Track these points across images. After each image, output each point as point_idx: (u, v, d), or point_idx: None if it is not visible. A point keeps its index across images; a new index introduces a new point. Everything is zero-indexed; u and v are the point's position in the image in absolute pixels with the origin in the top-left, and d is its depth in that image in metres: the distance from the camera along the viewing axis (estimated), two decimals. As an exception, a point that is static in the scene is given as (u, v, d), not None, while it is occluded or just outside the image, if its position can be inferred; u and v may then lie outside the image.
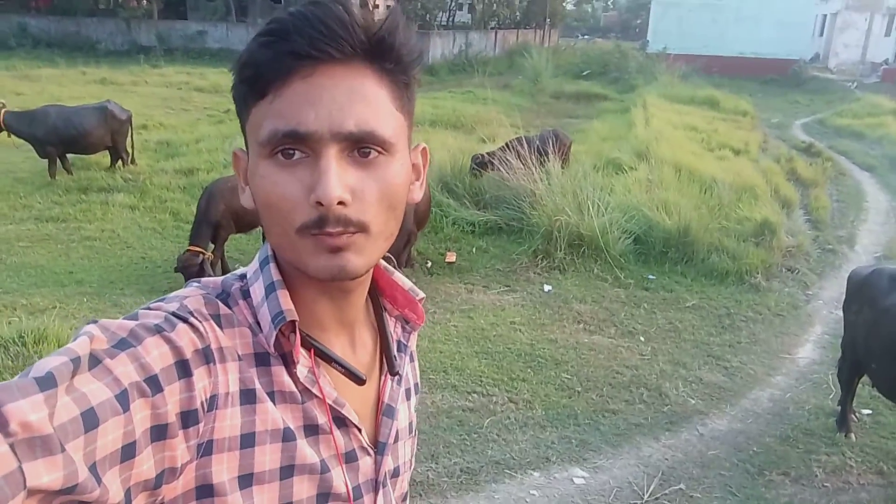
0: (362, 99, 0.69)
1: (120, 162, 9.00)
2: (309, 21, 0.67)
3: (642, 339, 5.07)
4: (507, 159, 7.74)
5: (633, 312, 5.55)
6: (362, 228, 0.69)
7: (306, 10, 0.68)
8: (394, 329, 0.90)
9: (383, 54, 0.71)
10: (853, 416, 3.98)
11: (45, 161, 8.60)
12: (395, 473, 0.88)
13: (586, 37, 50.91)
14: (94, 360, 0.59)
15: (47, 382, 0.54)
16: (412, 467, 0.96)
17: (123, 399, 0.58)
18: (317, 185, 0.66)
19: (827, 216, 8.76)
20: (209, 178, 8.73)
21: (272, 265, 0.77)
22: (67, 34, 24.72)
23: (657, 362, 4.65)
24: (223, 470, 0.68)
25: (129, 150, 9.07)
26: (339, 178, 0.67)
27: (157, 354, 0.63)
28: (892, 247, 7.71)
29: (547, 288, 5.96)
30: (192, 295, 0.74)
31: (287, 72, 0.67)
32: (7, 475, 0.49)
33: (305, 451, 0.74)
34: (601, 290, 6.01)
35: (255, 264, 0.79)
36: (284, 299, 0.74)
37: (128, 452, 0.58)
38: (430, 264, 6.46)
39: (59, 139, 8.35)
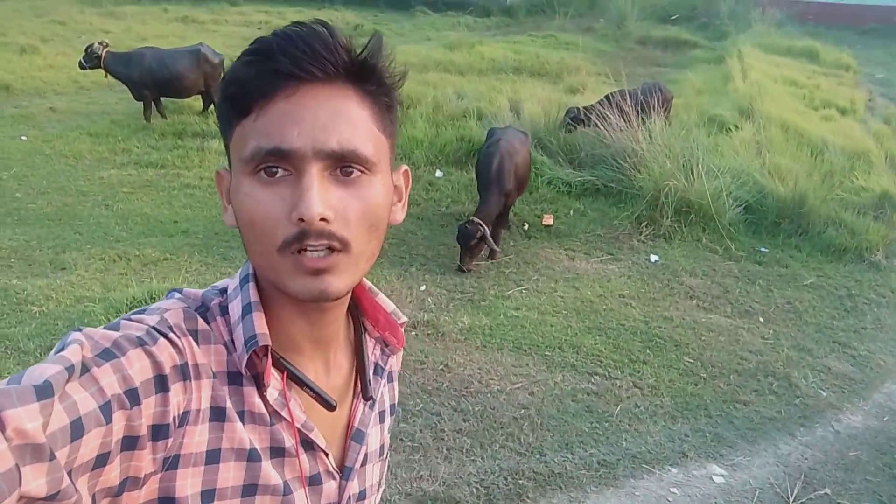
0: (345, 118, 0.70)
1: (212, 106, 9.03)
2: (293, 42, 0.68)
3: (761, 319, 4.83)
4: (606, 114, 7.40)
5: (747, 289, 5.29)
6: (344, 246, 0.70)
7: (291, 31, 0.69)
8: (372, 351, 0.90)
9: (365, 76, 0.72)
10: None
11: (139, 103, 8.70)
12: (361, 497, 0.88)
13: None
14: (84, 369, 0.60)
15: (45, 391, 0.55)
16: (382, 489, 0.95)
17: (107, 410, 0.60)
18: (299, 201, 0.67)
19: (947, 188, 8.16)
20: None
21: (251, 284, 0.77)
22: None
23: (781, 347, 4.42)
24: (187, 485, 0.70)
25: (221, 95, 9.07)
26: (321, 196, 0.67)
27: (138, 367, 0.64)
28: None
29: (654, 258, 5.73)
30: (172, 308, 0.74)
31: (271, 91, 0.68)
32: (5, 473, 0.50)
33: (270, 472, 0.75)
34: (711, 262, 5.74)
35: (235, 281, 0.80)
36: (259, 322, 0.74)
37: (101, 461, 0.60)
38: (526, 227, 6.29)
39: (154, 82, 8.40)
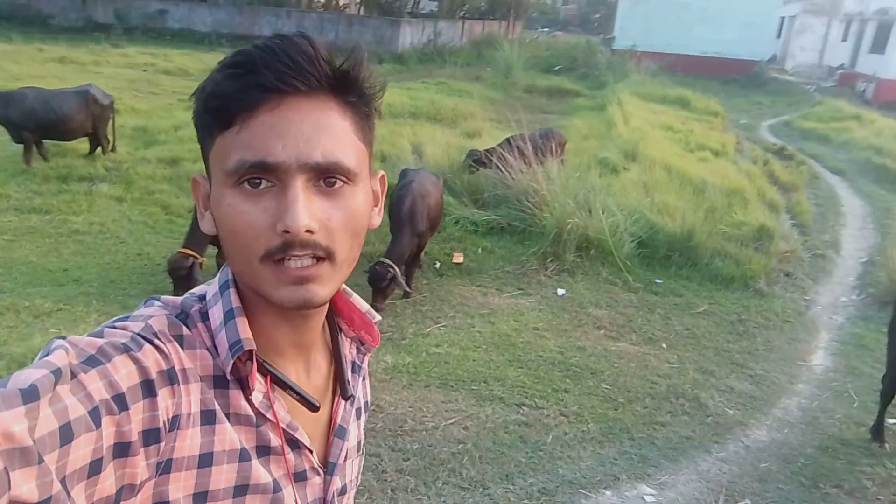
0: (328, 131, 0.71)
1: (100, 149, 8.61)
2: (276, 55, 0.69)
3: (664, 346, 5.10)
4: (506, 157, 7.69)
5: (648, 318, 5.59)
6: (328, 255, 0.71)
7: (273, 44, 0.70)
8: (349, 350, 0.92)
9: (347, 87, 0.74)
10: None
11: (17, 146, 8.15)
12: (343, 491, 0.90)
13: (546, 29, 51.13)
14: (71, 375, 0.60)
15: (30, 395, 0.55)
16: (357, 483, 0.98)
17: (95, 416, 0.60)
18: (284, 213, 0.68)
19: (810, 220, 9.00)
20: (195, 168, 8.44)
21: (232, 290, 0.78)
22: (17, 7, 23.50)
23: (687, 371, 4.68)
24: (179, 488, 0.70)
25: (111, 138, 8.68)
26: (306, 208, 0.68)
27: (124, 373, 0.64)
28: (875, 251, 7.94)
29: (560, 291, 5.95)
30: (156, 315, 0.74)
31: (254, 104, 0.69)
32: None
33: (259, 471, 0.76)
34: (613, 294, 6.03)
35: (214, 287, 0.80)
36: (243, 327, 0.75)
37: (94, 469, 0.59)
38: (438, 265, 6.38)
39: (37, 124, 7.90)
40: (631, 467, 3.48)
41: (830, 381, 4.83)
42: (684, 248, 6.82)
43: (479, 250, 6.77)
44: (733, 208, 8.03)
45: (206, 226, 0.78)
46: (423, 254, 6.42)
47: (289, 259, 0.70)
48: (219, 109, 0.70)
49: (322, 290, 0.72)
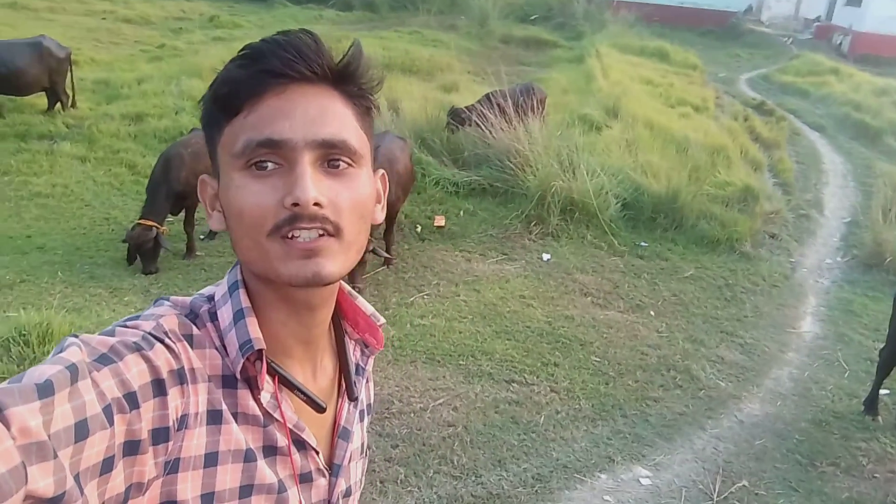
0: (332, 113, 0.73)
1: (59, 105, 8.15)
2: (282, 46, 0.72)
3: (652, 313, 5.00)
4: (486, 114, 7.43)
5: (635, 283, 5.48)
6: (336, 230, 0.72)
7: (279, 38, 0.73)
8: (353, 352, 0.93)
9: (348, 79, 0.76)
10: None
11: (-30, 102, 7.70)
12: (347, 493, 0.90)
13: (520, -24, 49.84)
14: (84, 373, 0.60)
15: (46, 390, 0.56)
16: (361, 486, 0.98)
17: (108, 413, 0.60)
18: (293, 187, 0.69)
19: (793, 179, 8.93)
20: (160, 125, 8.06)
21: (241, 290, 0.78)
22: (-35, -52, 22.15)
23: (676, 340, 4.59)
24: (188, 488, 0.71)
25: (70, 92, 8.22)
26: (314, 182, 0.70)
27: (136, 372, 0.65)
28: (858, 211, 7.91)
29: (546, 256, 5.80)
30: (167, 314, 0.75)
31: (261, 89, 0.71)
32: (12, 469, 0.50)
33: (265, 471, 0.77)
34: (598, 258, 5.90)
35: (223, 287, 0.80)
36: (253, 327, 0.76)
37: (107, 466, 0.60)
38: (419, 228, 6.19)
39: (-11, 78, 7.44)
40: (625, 447, 3.38)
41: (820, 350, 4.78)
42: (669, 209, 6.69)
43: (461, 213, 6.58)
44: (717, 167, 7.90)
45: (215, 224, 0.78)
46: (401, 216, 6.22)
47: (297, 233, 0.70)
48: (228, 96, 0.72)
49: (330, 265, 0.72)
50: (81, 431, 0.57)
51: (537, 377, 3.90)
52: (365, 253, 4.18)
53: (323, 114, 0.72)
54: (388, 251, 5.20)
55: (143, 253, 4.85)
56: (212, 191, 0.79)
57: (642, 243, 6.29)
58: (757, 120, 11.59)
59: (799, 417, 3.89)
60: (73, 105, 8.29)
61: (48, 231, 5.50)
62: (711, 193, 7.14)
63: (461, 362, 3.99)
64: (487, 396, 3.66)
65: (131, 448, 0.63)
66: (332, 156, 0.72)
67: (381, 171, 0.86)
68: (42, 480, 0.52)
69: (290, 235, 0.70)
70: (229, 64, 0.74)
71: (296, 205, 0.68)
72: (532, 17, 21.91)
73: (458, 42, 17.05)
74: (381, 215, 0.84)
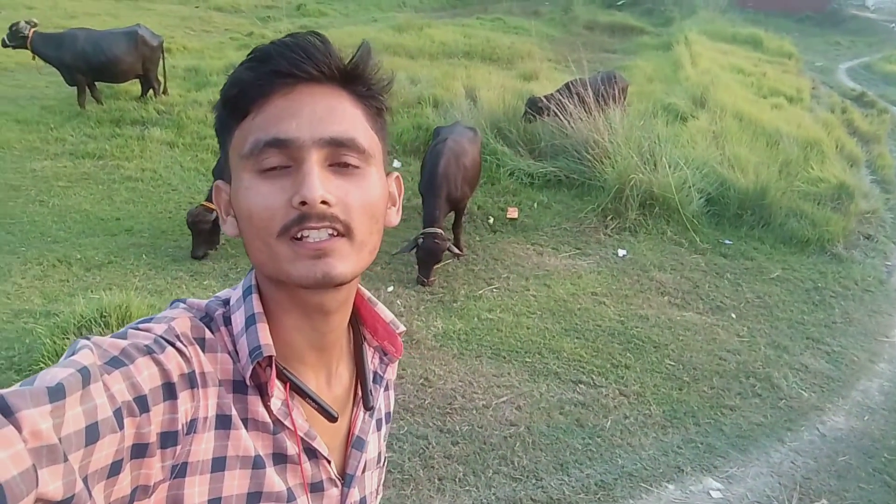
0: (341, 113, 0.73)
1: (151, 92, 8.50)
2: (289, 47, 0.71)
3: (734, 315, 4.78)
4: (565, 104, 7.26)
5: (716, 283, 5.25)
6: (346, 230, 0.71)
7: (287, 40, 0.73)
8: (371, 360, 0.91)
9: (356, 80, 0.76)
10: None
11: (72, 88, 8.11)
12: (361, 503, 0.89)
13: (608, -40, 48.65)
14: (95, 376, 0.59)
15: (57, 393, 0.55)
16: (379, 496, 0.96)
17: (119, 417, 0.60)
18: (300, 186, 0.68)
19: (892, 176, 8.37)
20: (246, 112, 8.28)
21: (255, 295, 0.78)
22: (73, -59, 23.42)
23: (758, 346, 4.37)
24: (195, 493, 0.70)
25: (161, 80, 8.55)
26: (321, 181, 0.69)
27: (147, 375, 0.64)
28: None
29: (621, 252, 5.63)
30: (179, 317, 0.75)
31: (269, 89, 0.71)
32: (23, 472, 0.50)
33: (273, 479, 0.75)
34: (678, 255, 5.68)
35: (238, 292, 0.80)
36: (263, 333, 0.75)
37: (115, 469, 0.59)
38: (491, 220, 6.12)
39: (88, 65, 7.82)
40: (696, 458, 3.23)
41: (915, 361, 4.46)
42: (757, 206, 6.38)
43: (535, 205, 6.47)
44: (809, 162, 7.48)
45: (229, 229, 0.78)
46: (474, 207, 6.18)
47: (306, 234, 0.69)
48: (236, 98, 0.72)
49: (341, 266, 0.71)
50: (92, 435, 0.57)
51: (606, 379, 3.79)
52: (440, 253, 4.15)
53: (331, 112, 0.72)
54: (457, 244, 5.16)
55: (197, 233, 4.91)
56: (226, 196, 0.78)
57: (726, 241, 6.02)
58: (856, 112, 10.92)
59: (888, 434, 3.63)
60: (165, 92, 8.62)
61: (136, 214, 5.74)
62: (803, 190, 6.77)
63: (527, 359, 3.92)
64: (553, 396, 3.58)
65: (139, 451, 0.63)
66: (340, 154, 0.71)
67: (396, 173, 0.85)
68: (52, 483, 0.52)
69: (299, 236, 0.69)
70: (238, 67, 0.74)
71: (303, 203, 0.68)
72: (619, 3, 21.31)
73: (541, 29, 16.79)
74: (395, 218, 0.83)
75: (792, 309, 4.96)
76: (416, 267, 4.86)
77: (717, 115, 8.55)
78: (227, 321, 0.78)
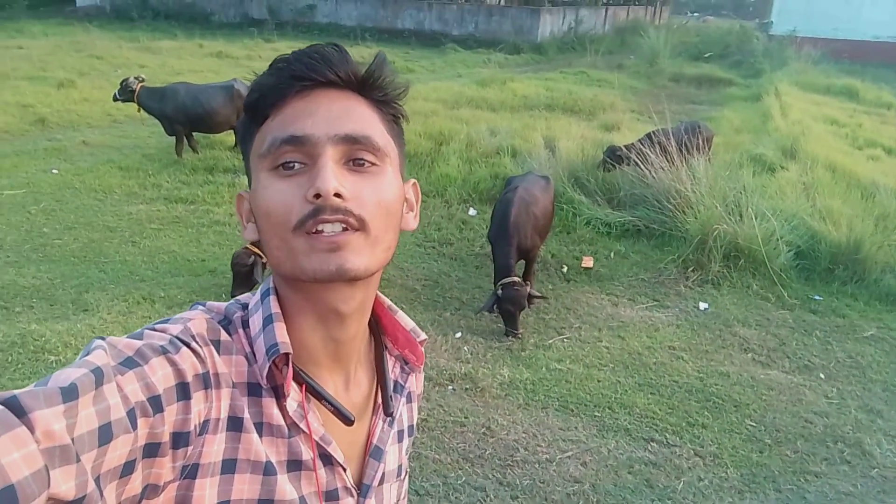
0: (357, 113, 0.75)
1: (243, 141, 8.93)
2: (308, 54, 0.75)
3: (822, 376, 4.47)
4: (646, 153, 7.14)
5: (804, 341, 4.94)
6: (361, 223, 0.71)
7: (307, 49, 0.76)
8: (392, 369, 0.90)
9: (372, 87, 0.78)
10: None
11: (171, 138, 8.64)
12: None
13: (696, 14, 48.46)
14: (109, 376, 0.60)
15: (70, 393, 0.56)
16: None
17: (132, 417, 0.60)
18: (315, 179, 0.69)
19: None
20: (329, 161, 8.57)
21: (272, 297, 0.79)
22: (184, 6, 25.33)
23: (848, 409, 4.06)
24: (204, 495, 0.70)
25: (253, 131, 8.99)
26: (336, 175, 0.70)
27: (161, 375, 0.65)
28: None
29: (703, 306, 5.41)
30: (196, 318, 0.75)
31: (287, 92, 0.73)
32: (35, 473, 0.50)
33: (285, 486, 0.74)
34: (764, 310, 5.40)
35: (256, 296, 0.81)
36: (280, 332, 0.75)
37: (127, 469, 0.60)
38: (565, 269, 6.02)
39: (187, 117, 8.33)
40: (777, 527, 3.01)
41: None
42: (850, 260, 6.02)
43: (612, 254, 6.33)
44: (911, 216, 7.01)
45: (249, 234, 0.80)
46: (548, 255, 6.10)
47: (321, 227, 0.70)
48: (256, 103, 0.75)
49: (355, 259, 0.71)
50: (105, 435, 0.57)
51: (680, 438, 3.60)
52: (527, 302, 4.06)
53: (347, 112, 0.74)
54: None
55: (235, 274, 5.03)
56: (247, 205, 0.80)
57: (816, 297, 5.69)
58: (964, 164, 10.22)
59: None
60: (255, 142, 9.05)
61: (220, 256, 5.98)
62: (901, 244, 6.34)
63: (596, 413, 3.78)
64: (621, 454, 3.42)
65: (151, 450, 0.63)
66: (355, 151, 0.73)
67: (413, 180, 0.86)
68: (64, 484, 0.53)
69: (314, 230, 0.70)
70: (260, 74, 0.76)
71: (317, 196, 0.69)
72: (706, 55, 21.04)
73: (625, 81, 16.75)
74: (414, 223, 0.84)
75: (887, 371, 4.59)
76: (494, 316, 4.80)
77: (808, 167, 8.20)
78: (245, 324, 0.79)
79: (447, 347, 4.47)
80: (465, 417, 3.59)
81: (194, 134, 8.74)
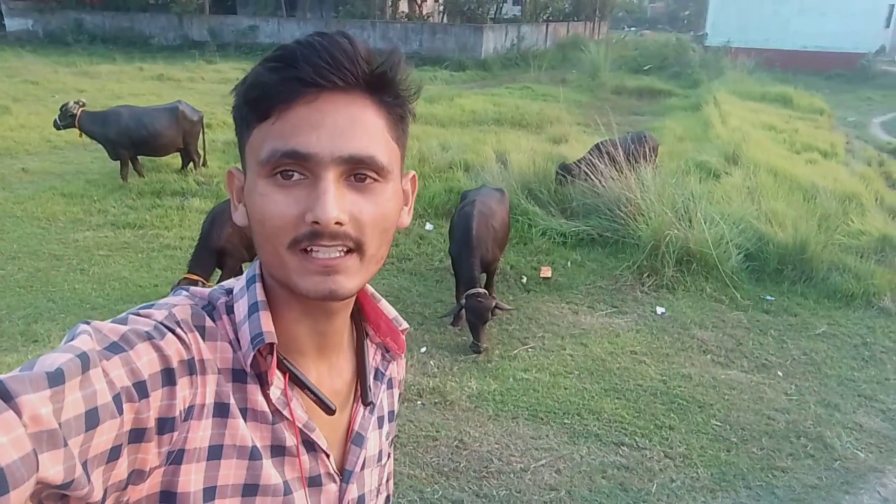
0: (362, 126, 0.71)
1: (192, 164, 8.76)
2: (316, 51, 0.69)
3: (780, 373, 4.59)
4: (595, 164, 7.27)
5: (760, 341, 5.07)
6: (357, 247, 0.71)
7: (314, 40, 0.70)
8: (373, 356, 0.91)
9: (383, 87, 0.74)
10: None
11: (115, 163, 8.40)
12: (360, 502, 0.87)
13: (633, 29, 49.79)
14: (95, 361, 0.59)
15: (56, 378, 0.55)
16: (380, 495, 0.94)
17: (118, 402, 0.60)
18: (315, 204, 0.68)
19: (938, 227, 8.11)
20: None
21: (258, 284, 0.78)
22: (122, 29, 24.78)
23: (807, 404, 4.18)
24: (190, 481, 0.69)
25: (201, 152, 8.82)
26: (337, 201, 0.69)
27: (146, 361, 0.64)
28: None
29: (660, 310, 5.51)
30: (180, 304, 0.74)
31: (293, 96, 0.69)
32: (24, 457, 0.50)
33: (270, 471, 0.75)
34: (719, 312, 5.53)
35: (241, 281, 0.80)
36: (265, 321, 0.75)
37: (114, 454, 0.60)
38: (524, 280, 6.06)
39: (131, 140, 8.11)
40: (750, 523, 3.06)
41: (979, 418, 4.20)
42: (797, 260, 6.22)
43: (569, 263, 6.41)
44: (849, 216, 7.32)
45: (239, 218, 0.78)
46: (507, 266, 6.13)
47: (316, 249, 0.69)
48: (258, 100, 0.71)
49: (348, 283, 0.72)
50: (92, 420, 0.57)
51: (650, 441, 3.64)
52: (490, 313, 4.02)
53: (353, 125, 0.71)
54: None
55: None
56: (238, 184, 0.78)
57: (768, 297, 5.86)
58: (893, 165, 10.72)
59: (958, 497, 3.39)
60: (205, 164, 8.88)
61: (172, 280, 5.79)
62: (844, 243, 6.61)
63: (566, 421, 3.80)
64: (594, 460, 3.44)
65: (137, 436, 0.63)
66: (358, 170, 0.71)
67: (412, 172, 0.85)
68: (53, 468, 0.53)
69: (308, 249, 0.70)
70: (260, 66, 0.72)
71: (316, 223, 0.68)
72: (645, 68, 21.62)
73: (569, 95, 17.06)
74: (407, 219, 0.83)
75: (841, 366, 4.75)
76: (451, 328, 4.79)
77: (751, 171, 8.47)
78: (230, 310, 0.78)
79: (413, 363, 4.44)
80: (437, 431, 3.56)
81: (139, 157, 8.53)
